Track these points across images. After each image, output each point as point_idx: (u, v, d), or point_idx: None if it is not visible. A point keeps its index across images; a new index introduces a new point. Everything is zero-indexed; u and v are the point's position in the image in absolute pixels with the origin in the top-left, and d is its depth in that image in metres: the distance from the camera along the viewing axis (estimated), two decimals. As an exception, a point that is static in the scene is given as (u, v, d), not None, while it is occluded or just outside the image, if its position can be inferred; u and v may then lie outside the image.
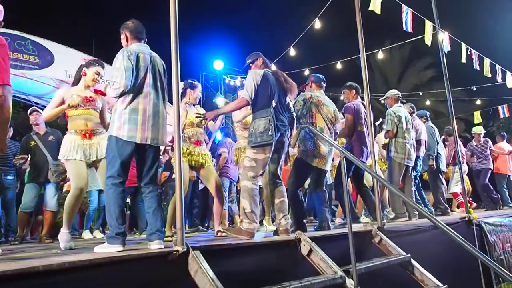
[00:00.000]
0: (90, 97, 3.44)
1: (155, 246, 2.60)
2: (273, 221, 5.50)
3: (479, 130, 8.22)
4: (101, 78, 3.55)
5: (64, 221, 3.27)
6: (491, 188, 7.83)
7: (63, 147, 3.34)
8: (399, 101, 5.55)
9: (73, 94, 3.41)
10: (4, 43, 2.52)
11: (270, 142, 3.28)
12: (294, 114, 3.84)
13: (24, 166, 5.55)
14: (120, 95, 2.79)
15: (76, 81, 3.57)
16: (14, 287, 1.74)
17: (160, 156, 7.50)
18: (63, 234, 3.23)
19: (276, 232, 3.45)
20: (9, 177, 5.57)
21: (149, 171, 2.85)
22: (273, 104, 3.39)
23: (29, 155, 5.18)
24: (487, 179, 7.85)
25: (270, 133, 3.25)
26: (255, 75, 3.44)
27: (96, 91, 3.57)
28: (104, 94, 3.59)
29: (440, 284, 3.15)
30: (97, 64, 3.55)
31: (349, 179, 4.88)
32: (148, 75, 2.86)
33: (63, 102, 3.41)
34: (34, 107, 5.43)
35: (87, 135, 3.37)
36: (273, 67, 3.71)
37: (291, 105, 3.80)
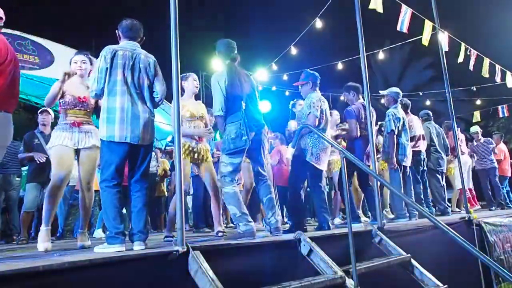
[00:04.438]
0: (84, 97, 3.40)
1: (137, 247, 2.61)
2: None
3: (475, 129, 8.23)
4: (83, 63, 3.49)
5: (44, 217, 3.15)
6: (500, 188, 7.84)
7: (52, 137, 3.32)
8: (398, 101, 5.53)
9: (67, 94, 3.36)
10: None
11: (244, 148, 3.24)
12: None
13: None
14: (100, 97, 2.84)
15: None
16: (14, 287, 1.74)
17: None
18: (45, 232, 3.11)
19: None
20: (17, 178, 5.59)
21: (138, 169, 2.85)
22: (243, 105, 3.33)
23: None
24: (497, 179, 7.85)
25: (243, 138, 3.20)
26: (218, 82, 3.34)
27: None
28: None
29: (440, 284, 3.15)
30: (74, 55, 3.53)
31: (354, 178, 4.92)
32: (127, 72, 2.81)
33: (61, 92, 3.36)
34: (45, 108, 5.37)
35: (76, 123, 3.35)
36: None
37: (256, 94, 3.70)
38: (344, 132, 5.15)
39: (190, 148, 3.88)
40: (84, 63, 3.50)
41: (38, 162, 4.99)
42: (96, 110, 3.53)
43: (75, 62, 3.48)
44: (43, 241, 3.08)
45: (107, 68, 2.77)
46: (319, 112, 4.07)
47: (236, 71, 3.44)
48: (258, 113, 3.52)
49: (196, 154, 3.90)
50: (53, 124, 5.45)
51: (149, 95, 2.92)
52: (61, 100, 3.37)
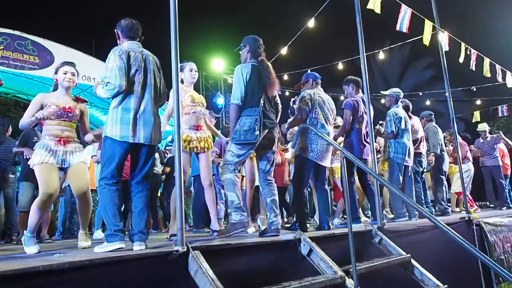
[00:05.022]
0: (69, 107, 3.31)
1: (137, 247, 2.60)
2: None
3: (482, 127, 8.21)
4: (72, 75, 3.40)
5: (30, 224, 3.11)
6: (504, 188, 7.84)
7: (36, 153, 3.19)
8: (399, 102, 5.55)
9: (51, 104, 3.25)
10: None
11: (254, 142, 3.28)
12: (279, 106, 3.73)
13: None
14: (114, 95, 2.78)
15: (55, 88, 3.46)
16: (14, 287, 1.74)
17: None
18: (28, 238, 3.08)
19: (265, 231, 3.39)
20: (11, 175, 5.58)
21: (141, 169, 2.84)
22: (261, 102, 3.36)
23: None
24: (502, 177, 7.85)
25: (255, 132, 3.25)
26: (241, 72, 3.39)
27: (77, 99, 3.48)
28: (85, 101, 3.54)
29: (440, 284, 3.15)
30: (63, 65, 3.43)
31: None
32: (140, 73, 2.83)
33: (41, 108, 3.27)
34: None
35: (62, 141, 3.25)
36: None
37: (277, 98, 3.71)
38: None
39: (189, 139, 3.87)
40: (73, 75, 3.41)
41: (25, 158, 4.95)
42: (80, 123, 3.47)
43: (65, 73, 3.36)
44: (29, 246, 3.05)
45: (125, 66, 2.76)
46: (306, 105, 4.08)
47: (263, 68, 3.48)
48: (273, 113, 3.54)
49: (196, 142, 3.89)
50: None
51: (158, 96, 2.95)
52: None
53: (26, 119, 3.24)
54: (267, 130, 3.39)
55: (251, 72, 3.39)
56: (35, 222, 3.12)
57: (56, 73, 3.43)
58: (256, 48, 3.55)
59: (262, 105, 3.36)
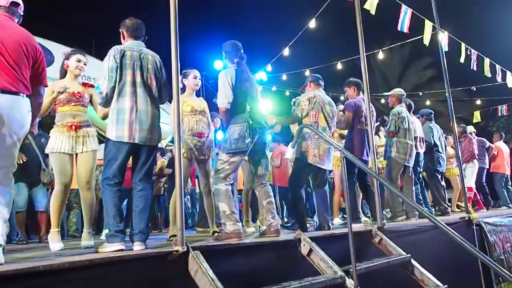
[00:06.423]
0: (78, 92, 3.43)
1: (137, 247, 2.61)
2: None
3: (470, 129, 8.25)
4: (84, 64, 3.54)
5: (52, 220, 3.25)
6: (486, 189, 7.86)
7: (50, 140, 3.33)
8: (402, 101, 5.57)
9: (61, 87, 3.37)
10: None
11: (245, 150, 3.21)
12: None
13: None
14: (105, 103, 2.84)
15: (62, 76, 3.56)
16: (14, 287, 1.74)
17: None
18: (54, 234, 3.21)
19: (264, 233, 3.39)
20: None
21: (141, 168, 2.84)
22: (248, 108, 3.30)
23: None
24: (483, 179, 7.86)
25: (246, 140, 3.17)
26: (226, 78, 3.34)
27: (84, 84, 3.58)
28: (92, 86, 3.62)
29: (440, 284, 3.15)
30: (76, 53, 3.54)
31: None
32: (135, 73, 2.82)
33: (52, 93, 3.37)
34: None
35: (73, 127, 3.35)
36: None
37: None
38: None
39: (191, 145, 3.86)
40: (85, 64, 3.55)
41: (17, 162, 4.94)
42: (93, 105, 3.58)
43: (78, 61, 3.50)
44: (54, 242, 3.18)
45: (117, 67, 2.78)
46: (305, 112, 4.06)
47: (245, 71, 3.45)
48: (260, 115, 3.49)
49: (199, 151, 3.89)
50: (46, 125, 5.43)
51: (157, 96, 2.94)
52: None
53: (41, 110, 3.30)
54: (257, 135, 3.32)
55: (236, 77, 3.35)
56: (56, 215, 3.25)
57: (67, 59, 3.53)
58: (235, 51, 3.52)
59: (248, 110, 3.29)
